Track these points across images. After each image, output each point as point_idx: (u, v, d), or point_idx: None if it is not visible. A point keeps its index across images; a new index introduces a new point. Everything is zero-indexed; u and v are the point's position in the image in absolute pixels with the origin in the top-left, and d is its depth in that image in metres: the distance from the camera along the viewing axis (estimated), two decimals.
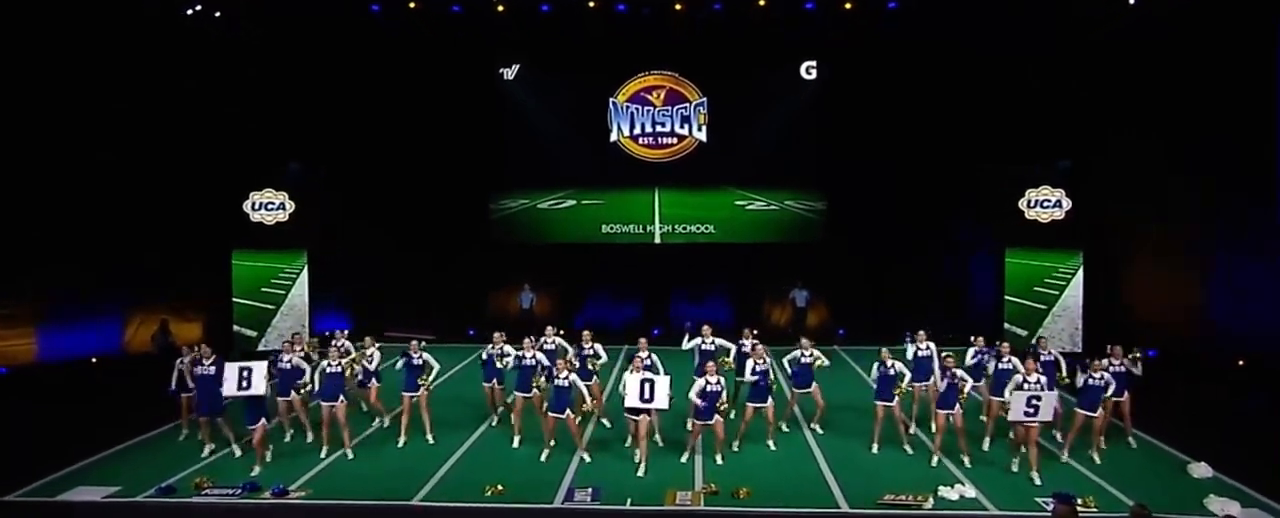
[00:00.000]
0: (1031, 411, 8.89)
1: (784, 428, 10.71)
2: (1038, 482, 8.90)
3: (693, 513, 8.34)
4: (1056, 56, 15.77)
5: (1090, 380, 9.54)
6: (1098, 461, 9.52)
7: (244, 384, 9.47)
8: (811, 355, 10.58)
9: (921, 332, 11.08)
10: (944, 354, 9.97)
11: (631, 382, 9.43)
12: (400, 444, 10.25)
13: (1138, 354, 9.91)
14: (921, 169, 17.07)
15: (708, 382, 9.38)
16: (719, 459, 9.56)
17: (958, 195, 17.02)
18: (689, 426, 9.71)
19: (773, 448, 10.01)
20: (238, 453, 9.88)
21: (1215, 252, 14.01)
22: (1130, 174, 15.75)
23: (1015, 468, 9.22)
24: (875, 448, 9.99)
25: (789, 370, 10.78)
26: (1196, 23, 13.29)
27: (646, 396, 9.33)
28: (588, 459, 9.60)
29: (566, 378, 9.55)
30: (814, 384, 10.57)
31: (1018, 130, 16.29)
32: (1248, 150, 12.94)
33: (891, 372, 9.95)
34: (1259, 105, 12.43)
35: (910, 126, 16.99)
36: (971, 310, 17.06)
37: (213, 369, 9.91)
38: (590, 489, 8.73)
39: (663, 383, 9.39)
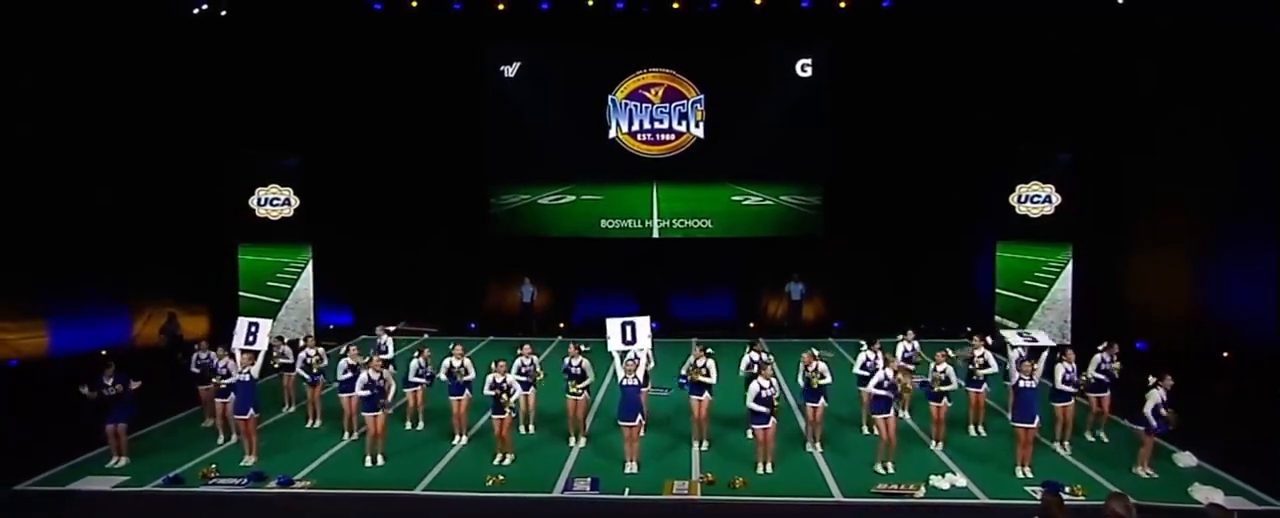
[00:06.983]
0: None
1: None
2: (1027, 473, 9.06)
3: (690, 503, 8.49)
4: (1055, 48, 15.88)
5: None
6: (1065, 451, 9.78)
7: (251, 339, 10.00)
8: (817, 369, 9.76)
9: (910, 331, 11.44)
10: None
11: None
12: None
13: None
14: (916, 164, 17.17)
15: (762, 386, 8.95)
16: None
17: (952, 189, 17.11)
18: (749, 434, 9.62)
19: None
20: (234, 440, 10.05)
21: (1208, 245, 14.17)
22: (1124, 167, 15.86)
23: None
24: (882, 468, 9.27)
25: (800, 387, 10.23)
26: (1196, 15, 13.47)
27: (629, 337, 9.89)
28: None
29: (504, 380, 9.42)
30: (821, 400, 9.86)
31: (1011, 124, 16.40)
32: (1241, 143, 13.09)
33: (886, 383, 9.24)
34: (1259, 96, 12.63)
35: (904, 123, 17.09)
36: (966, 304, 17.19)
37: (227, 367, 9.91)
38: (589, 479, 8.90)
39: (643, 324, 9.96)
